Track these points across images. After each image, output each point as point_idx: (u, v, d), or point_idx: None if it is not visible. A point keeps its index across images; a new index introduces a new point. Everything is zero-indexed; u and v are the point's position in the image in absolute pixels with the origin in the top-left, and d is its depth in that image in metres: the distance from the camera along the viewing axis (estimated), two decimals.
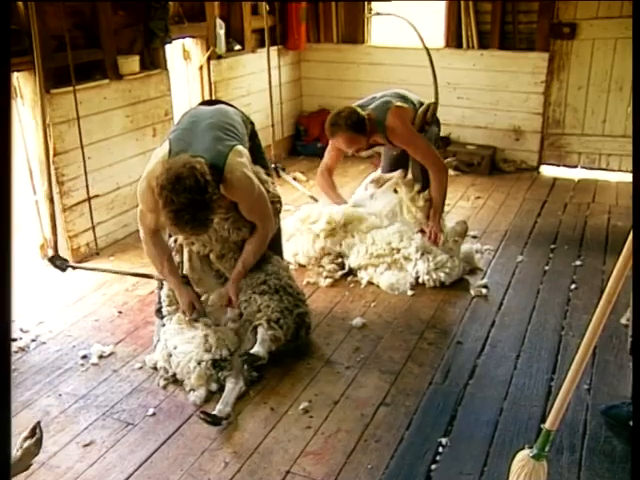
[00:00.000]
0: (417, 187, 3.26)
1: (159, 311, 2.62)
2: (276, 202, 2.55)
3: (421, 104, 3.29)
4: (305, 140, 5.51)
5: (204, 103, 2.75)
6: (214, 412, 2.10)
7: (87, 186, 3.38)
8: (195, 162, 2.11)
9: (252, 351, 2.24)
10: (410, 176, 3.37)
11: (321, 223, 3.19)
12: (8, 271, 0.70)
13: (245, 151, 2.35)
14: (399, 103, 3.12)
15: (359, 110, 3.04)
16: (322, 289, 3.07)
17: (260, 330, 2.32)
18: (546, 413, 2.11)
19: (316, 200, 3.79)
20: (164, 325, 2.50)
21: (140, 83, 3.65)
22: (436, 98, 3.36)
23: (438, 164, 3.12)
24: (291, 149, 5.47)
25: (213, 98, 4.22)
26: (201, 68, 4.34)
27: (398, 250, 3.09)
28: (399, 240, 3.10)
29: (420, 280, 3.05)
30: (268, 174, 2.62)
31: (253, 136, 2.61)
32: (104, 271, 2.82)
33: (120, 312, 2.89)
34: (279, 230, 2.77)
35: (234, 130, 2.39)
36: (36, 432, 1.60)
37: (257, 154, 2.60)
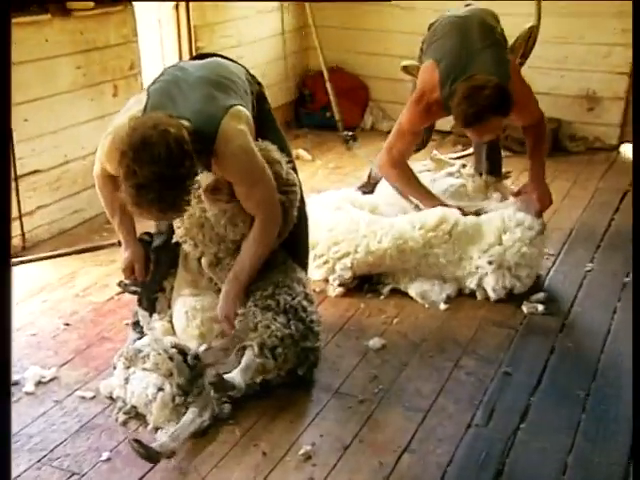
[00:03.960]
0: (484, 174, 3.41)
1: (137, 324, 2.65)
2: (290, 192, 2.51)
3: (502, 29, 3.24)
4: (311, 107, 5.52)
5: (196, 58, 2.76)
6: (153, 444, 2.11)
7: None
8: (170, 124, 2.11)
9: (226, 375, 2.23)
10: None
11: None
12: (8, 272, 0.71)
13: (247, 114, 2.35)
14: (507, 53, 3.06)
15: (495, 80, 2.85)
16: (330, 300, 3.08)
17: (247, 354, 2.33)
18: (630, 477, 2.11)
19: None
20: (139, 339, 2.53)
21: (95, 23, 3.65)
22: (538, 18, 3.29)
23: (540, 115, 3.14)
24: (293, 118, 5.48)
25: (193, 54, 4.23)
26: (177, 7, 4.35)
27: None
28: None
29: (490, 295, 3.04)
30: (284, 150, 2.59)
31: (261, 101, 2.61)
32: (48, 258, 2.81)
33: (67, 324, 2.90)
34: (305, 231, 2.77)
35: (234, 87, 2.39)
36: None
37: (267, 124, 2.60)
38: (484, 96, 2.78)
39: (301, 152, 4.82)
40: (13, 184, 3.40)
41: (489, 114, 2.82)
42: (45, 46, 3.43)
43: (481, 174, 3.58)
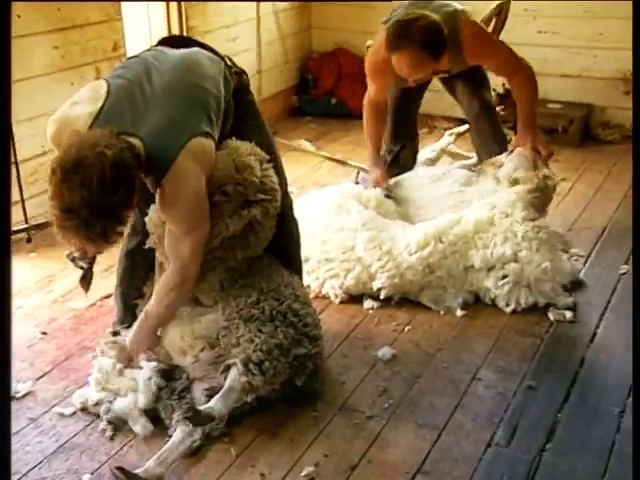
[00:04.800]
0: (496, 157, 3.46)
1: (116, 334, 2.68)
2: (266, 200, 2.51)
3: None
4: (314, 93, 5.54)
5: (167, 42, 2.72)
6: (138, 471, 2.11)
7: None
8: (111, 146, 2.10)
9: (202, 407, 2.24)
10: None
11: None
12: (8, 274, 0.73)
13: (209, 146, 2.34)
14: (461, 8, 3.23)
15: (440, 21, 3.08)
16: (335, 306, 3.10)
17: (232, 373, 2.32)
18: None
19: (364, 170, 3.83)
20: None
21: None
22: None
23: (521, 64, 3.32)
24: (293, 106, 5.49)
25: (183, 34, 4.25)
26: None
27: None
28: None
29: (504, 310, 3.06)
30: (267, 147, 2.59)
31: (242, 92, 2.61)
32: None
33: (44, 333, 2.93)
34: (296, 233, 2.79)
35: (204, 99, 2.38)
36: None
37: (247, 118, 2.61)
38: (415, 27, 3.02)
39: (304, 143, 4.83)
40: None
41: (414, 44, 3.02)
42: (18, 23, 3.43)
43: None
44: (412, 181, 3.57)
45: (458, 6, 3.25)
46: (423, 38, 3.01)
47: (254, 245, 2.55)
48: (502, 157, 3.37)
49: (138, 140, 2.22)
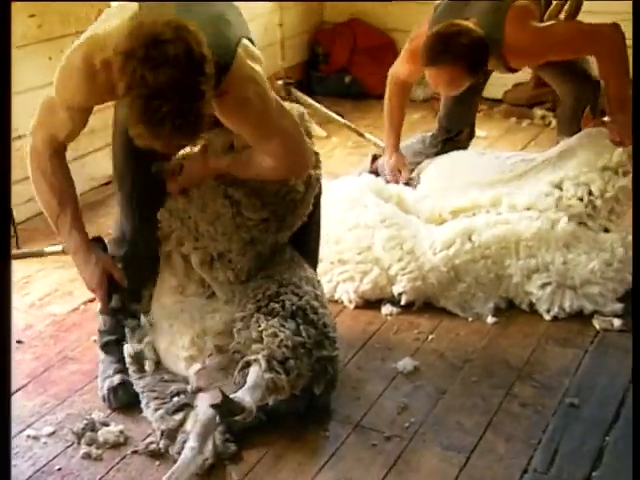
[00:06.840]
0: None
1: (108, 345, 2.67)
2: (315, 167, 2.61)
3: None
4: (325, 70, 5.55)
5: None
6: None
7: None
8: (187, 22, 2.02)
9: (233, 395, 2.26)
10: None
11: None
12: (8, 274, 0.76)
13: (260, 54, 2.34)
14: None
15: (480, 32, 3.13)
16: (349, 311, 3.12)
17: (254, 370, 2.35)
18: None
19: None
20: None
21: None
22: None
23: (596, 38, 3.27)
24: (303, 84, 5.50)
25: None
26: None
27: None
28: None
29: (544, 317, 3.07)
30: None
31: None
32: None
33: (20, 342, 2.94)
34: (318, 223, 2.82)
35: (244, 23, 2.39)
36: None
37: None
38: (457, 43, 3.09)
39: (313, 127, 4.83)
40: None
41: (454, 62, 3.12)
42: None
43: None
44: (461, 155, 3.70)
45: None
46: (464, 56, 3.10)
47: (289, 225, 2.61)
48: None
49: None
